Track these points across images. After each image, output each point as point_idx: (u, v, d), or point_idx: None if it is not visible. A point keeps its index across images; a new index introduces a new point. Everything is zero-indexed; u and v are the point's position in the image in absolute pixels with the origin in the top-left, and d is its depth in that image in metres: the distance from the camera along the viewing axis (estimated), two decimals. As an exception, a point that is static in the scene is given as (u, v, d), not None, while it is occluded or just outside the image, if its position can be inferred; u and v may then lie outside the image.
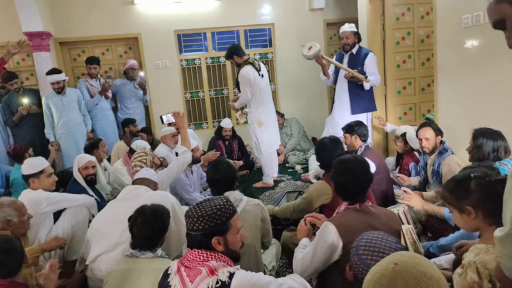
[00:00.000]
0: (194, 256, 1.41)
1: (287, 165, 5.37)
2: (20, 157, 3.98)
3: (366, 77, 3.88)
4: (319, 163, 2.88)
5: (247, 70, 4.14)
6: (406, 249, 1.58)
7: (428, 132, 2.98)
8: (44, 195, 2.64)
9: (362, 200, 1.87)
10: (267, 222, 2.19)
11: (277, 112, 5.61)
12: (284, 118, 5.70)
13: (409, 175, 3.55)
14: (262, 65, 4.33)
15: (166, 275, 1.48)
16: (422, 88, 4.78)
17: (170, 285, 1.40)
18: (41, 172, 2.76)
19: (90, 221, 2.71)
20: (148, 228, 1.87)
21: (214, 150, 5.12)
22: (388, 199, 3.00)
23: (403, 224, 2.47)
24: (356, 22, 4.79)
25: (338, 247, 1.71)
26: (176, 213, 2.38)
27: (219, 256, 1.41)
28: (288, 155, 5.44)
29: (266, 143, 4.42)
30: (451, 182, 1.50)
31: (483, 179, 1.36)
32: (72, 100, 4.79)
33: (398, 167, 3.93)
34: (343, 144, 2.85)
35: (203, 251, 1.41)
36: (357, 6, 4.85)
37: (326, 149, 2.70)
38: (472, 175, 1.40)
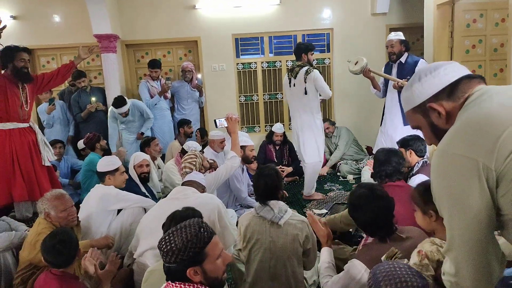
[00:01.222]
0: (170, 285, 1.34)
1: (338, 174, 5.21)
2: (92, 146, 4.29)
3: None
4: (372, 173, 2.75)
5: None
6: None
7: None
8: (114, 192, 2.83)
9: (389, 234, 1.76)
10: (311, 241, 2.09)
11: (328, 120, 5.48)
12: (335, 127, 5.53)
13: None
14: (301, 74, 4.10)
15: None
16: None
17: None
18: (116, 170, 2.97)
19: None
20: (169, 227, 1.89)
21: (264, 151, 5.13)
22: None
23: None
24: (421, 28, 4.55)
25: None
26: (221, 216, 2.39)
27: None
28: (340, 163, 5.27)
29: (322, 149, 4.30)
30: (422, 186, 1.66)
31: None
32: (133, 114, 5.01)
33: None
34: (402, 157, 2.67)
35: (178, 284, 1.33)
36: (423, 11, 4.58)
37: (380, 160, 2.57)
38: None
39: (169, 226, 1.93)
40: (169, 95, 5.43)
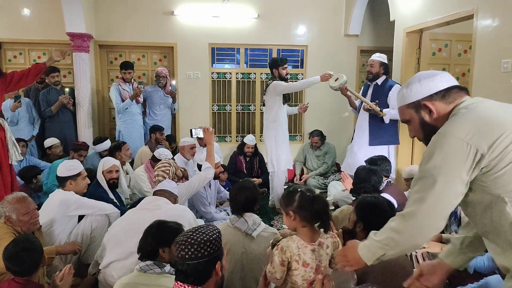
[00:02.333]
0: None
1: (305, 187, 5.32)
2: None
3: (381, 111, 3.81)
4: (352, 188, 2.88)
5: None
6: None
7: None
8: (74, 199, 2.74)
9: None
10: None
11: (317, 132, 5.60)
12: (324, 142, 5.67)
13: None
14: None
15: None
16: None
17: None
18: (78, 174, 2.88)
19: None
20: (145, 239, 1.91)
21: (234, 162, 5.17)
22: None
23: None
24: (390, 52, 4.77)
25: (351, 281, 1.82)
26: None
27: None
28: (306, 179, 5.41)
29: (284, 159, 4.42)
30: (285, 192, 1.87)
31: (304, 194, 1.73)
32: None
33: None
34: (380, 176, 2.82)
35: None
36: (392, 36, 4.82)
37: (360, 177, 2.71)
38: (298, 189, 1.77)
39: (144, 233, 1.92)
40: (141, 99, 5.35)
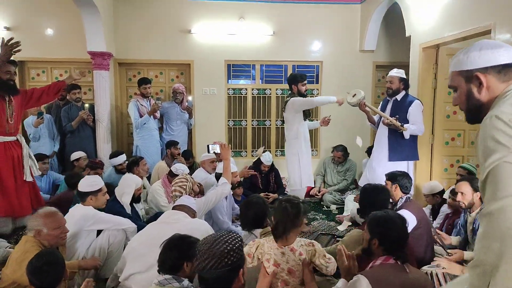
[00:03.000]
0: None
1: (322, 203, 5.28)
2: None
3: (402, 125, 3.77)
4: (358, 209, 2.83)
5: None
6: None
7: (464, 187, 2.86)
8: (92, 213, 2.78)
9: (402, 257, 1.83)
10: None
11: (342, 147, 5.56)
12: (347, 158, 5.61)
13: (453, 232, 3.38)
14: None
15: None
16: (472, 141, 4.60)
17: None
18: (99, 190, 2.93)
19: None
20: (168, 252, 1.91)
21: (250, 176, 5.17)
22: (427, 256, 2.86)
23: (440, 285, 2.35)
24: (406, 67, 4.76)
25: None
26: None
27: None
28: (324, 194, 5.36)
29: (307, 176, 4.41)
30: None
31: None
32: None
33: (443, 222, 3.76)
34: (388, 194, 2.77)
35: None
36: (408, 51, 4.82)
37: (365, 199, 2.66)
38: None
39: (166, 247, 1.94)
40: (158, 115, 5.45)
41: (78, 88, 5.17)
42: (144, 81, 5.33)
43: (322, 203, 5.29)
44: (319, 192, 5.44)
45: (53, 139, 5.19)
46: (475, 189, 2.83)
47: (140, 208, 3.65)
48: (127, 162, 4.45)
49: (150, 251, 2.26)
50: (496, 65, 1.22)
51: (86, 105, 5.20)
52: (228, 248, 1.44)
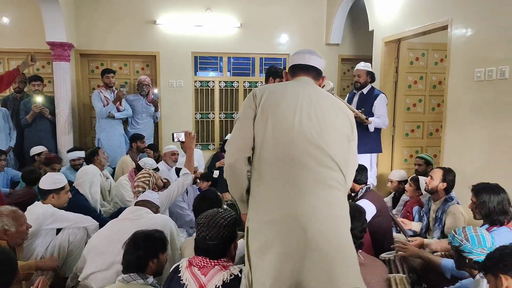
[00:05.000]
0: (206, 262, 1.66)
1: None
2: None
3: (367, 119, 3.88)
4: None
5: None
6: None
7: (437, 173, 3.01)
8: (51, 211, 2.69)
9: (355, 246, 1.90)
10: None
11: None
12: None
13: (412, 218, 3.53)
14: None
15: (176, 269, 1.70)
16: (431, 132, 4.80)
17: (182, 278, 1.62)
18: (62, 188, 2.82)
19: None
20: (134, 252, 1.89)
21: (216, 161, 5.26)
22: (386, 243, 2.97)
23: (398, 272, 2.45)
24: (370, 60, 4.88)
25: None
26: (173, 238, 2.39)
27: (227, 260, 1.71)
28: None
29: None
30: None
31: None
32: None
33: (402, 209, 3.91)
34: None
35: (212, 261, 1.66)
36: (372, 45, 4.94)
37: None
38: None
39: (129, 241, 1.92)
40: (122, 107, 5.28)
41: (39, 80, 4.95)
42: (106, 71, 5.17)
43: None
44: None
45: (9, 133, 4.94)
46: (444, 180, 2.97)
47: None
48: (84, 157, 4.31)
49: (112, 248, 2.22)
50: None
51: (37, 99, 4.92)
52: (225, 223, 1.70)
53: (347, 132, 1.71)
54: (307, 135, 1.59)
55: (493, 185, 2.43)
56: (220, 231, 1.67)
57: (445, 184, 2.97)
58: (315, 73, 1.84)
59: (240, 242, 2.02)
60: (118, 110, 5.22)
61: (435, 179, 2.99)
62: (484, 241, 1.93)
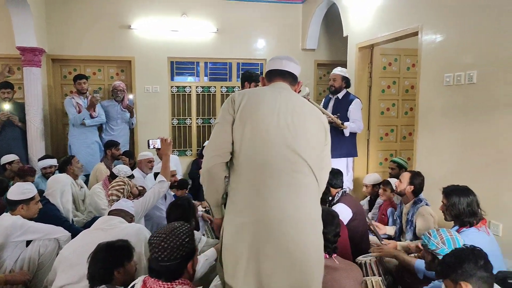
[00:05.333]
0: (159, 285, 1.54)
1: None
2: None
3: (343, 123, 3.93)
4: None
5: None
6: None
7: (405, 176, 3.10)
8: (20, 223, 2.59)
9: (329, 251, 1.92)
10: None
11: None
12: None
13: (387, 220, 3.59)
14: None
15: None
16: (404, 136, 4.91)
17: None
18: (32, 198, 2.71)
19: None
20: (97, 263, 1.85)
21: (198, 168, 5.15)
22: (363, 246, 3.01)
23: (374, 275, 2.48)
24: (345, 65, 4.96)
25: None
26: (148, 248, 2.34)
27: (184, 281, 1.57)
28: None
29: None
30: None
31: None
32: None
33: (378, 212, 3.97)
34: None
35: (166, 283, 1.53)
36: (347, 50, 5.02)
37: None
38: None
39: (94, 258, 1.86)
40: (95, 113, 5.16)
41: (9, 88, 4.77)
42: (78, 77, 5.06)
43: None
44: None
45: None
46: (411, 183, 3.04)
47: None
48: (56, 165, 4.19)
49: (83, 260, 2.14)
50: None
51: (6, 106, 4.75)
52: (178, 242, 1.56)
53: (321, 137, 1.76)
54: (283, 140, 1.63)
55: (462, 187, 2.50)
56: (174, 252, 1.54)
57: (412, 187, 3.06)
58: (291, 79, 1.88)
59: (211, 252, 2.01)
60: (92, 117, 5.10)
61: (403, 182, 3.09)
62: (459, 244, 1.98)
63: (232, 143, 1.67)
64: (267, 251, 1.53)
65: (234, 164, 1.68)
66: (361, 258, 2.61)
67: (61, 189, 3.19)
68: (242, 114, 1.66)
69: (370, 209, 4.08)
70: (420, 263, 2.36)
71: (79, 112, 4.99)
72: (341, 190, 3.13)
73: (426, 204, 3.03)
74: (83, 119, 4.96)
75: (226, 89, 6.25)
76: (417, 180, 3.06)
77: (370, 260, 2.59)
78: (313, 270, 1.58)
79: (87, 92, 5.14)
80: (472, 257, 1.54)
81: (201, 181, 1.75)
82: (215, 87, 6.24)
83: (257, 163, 1.62)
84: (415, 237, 2.98)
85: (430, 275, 2.33)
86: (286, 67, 1.87)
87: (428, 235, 2.07)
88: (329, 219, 1.99)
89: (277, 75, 1.86)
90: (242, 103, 1.68)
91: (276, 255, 1.52)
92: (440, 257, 1.93)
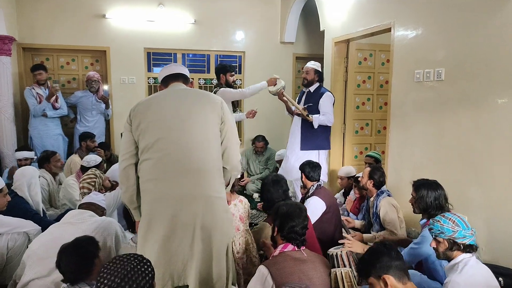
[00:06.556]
0: None
1: (245, 192, 5.40)
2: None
3: (308, 115, 3.99)
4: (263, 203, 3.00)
5: None
6: None
7: (366, 172, 3.24)
8: None
9: (298, 243, 1.97)
10: None
11: (262, 137, 5.66)
12: (267, 147, 5.75)
13: (358, 213, 3.69)
14: None
15: None
16: (379, 130, 5.02)
17: None
18: (0, 191, 2.65)
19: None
20: (73, 262, 1.84)
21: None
22: (336, 237, 3.08)
23: (344, 266, 2.55)
24: (322, 59, 5.00)
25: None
26: (118, 242, 2.34)
27: None
28: (247, 183, 5.49)
29: None
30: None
31: None
32: None
33: (352, 205, 4.06)
34: (286, 184, 2.94)
35: None
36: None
37: (268, 190, 2.79)
38: None
39: (60, 257, 1.84)
40: (58, 104, 4.98)
41: None
42: (36, 67, 4.92)
43: (245, 192, 5.40)
44: (241, 181, 5.54)
45: None
46: (370, 177, 3.17)
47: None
48: (34, 158, 4.10)
49: (53, 254, 2.12)
50: None
51: None
52: (135, 285, 1.35)
53: (216, 117, 1.98)
54: (177, 136, 1.91)
55: (431, 181, 2.58)
56: None
57: (372, 181, 3.16)
58: (183, 79, 2.14)
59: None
60: (54, 108, 4.97)
61: (364, 177, 3.21)
62: (467, 223, 1.93)
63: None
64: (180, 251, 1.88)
65: (140, 164, 1.99)
66: (332, 250, 2.68)
67: (28, 181, 3.10)
68: (135, 119, 2.03)
69: (344, 201, 4.16)
70: None
71: (40, 102, 4.85)
72: (316, 183, 3.18)
73: (388, 195, 3.13)
74: (43, 110, 4.83)
75: (204, 81, 6.22)
76: (376, 175, 3.17)
77: (341, 251, 2.66)
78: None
79: (48, 83, 4.99)
80: (386, 250, 1.65)
81: (119, 181, 2.05)
82: (193, 79, 6.17)
83: (160, 162, 1.91)
84: (382, 228, 3.08)
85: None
86: (177, 70, 2.13)
87: (438, 222, 1.94)
88: (297, 211, 2.03)
89: (170, 78, 2.12)
90: (135, 110, 2.06)
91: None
92: (459, 241, 1.85)
